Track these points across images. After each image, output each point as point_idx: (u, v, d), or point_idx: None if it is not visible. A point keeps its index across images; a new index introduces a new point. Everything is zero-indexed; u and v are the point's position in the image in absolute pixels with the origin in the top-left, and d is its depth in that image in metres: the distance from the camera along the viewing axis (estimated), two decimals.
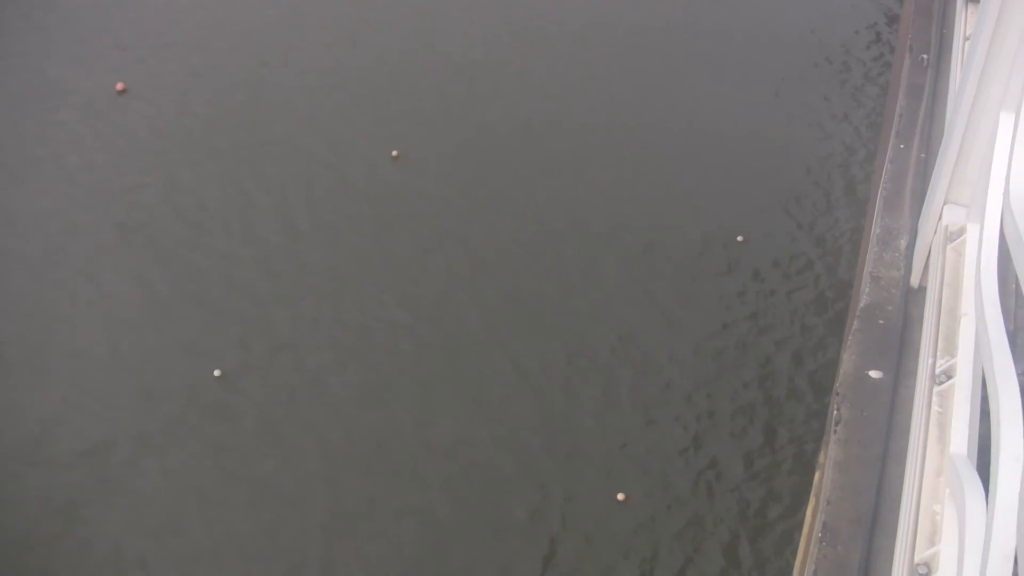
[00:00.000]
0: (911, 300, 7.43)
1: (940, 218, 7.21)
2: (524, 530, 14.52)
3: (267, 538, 14.44)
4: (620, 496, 14.60)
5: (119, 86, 21.62)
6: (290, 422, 15.75)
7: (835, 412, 6.82)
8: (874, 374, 6.85)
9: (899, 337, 7.14)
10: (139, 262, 17.99)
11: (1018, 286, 5.89)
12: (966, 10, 10.32)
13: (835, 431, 6.59)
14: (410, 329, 17.01)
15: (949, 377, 6.03)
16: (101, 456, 15.13)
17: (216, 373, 16.01)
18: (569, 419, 15.76)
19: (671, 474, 15.04)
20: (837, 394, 7.00)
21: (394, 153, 19.96)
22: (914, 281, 7.56)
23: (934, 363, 6.23)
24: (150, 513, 14.61)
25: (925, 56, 10.08)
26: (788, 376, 16.09)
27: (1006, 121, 5.85)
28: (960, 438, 5.60)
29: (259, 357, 16.61)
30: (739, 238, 18.17)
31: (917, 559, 5.28)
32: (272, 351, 16.69)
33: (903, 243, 7.83)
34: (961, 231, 7.00)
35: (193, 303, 17.35)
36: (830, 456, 6.51)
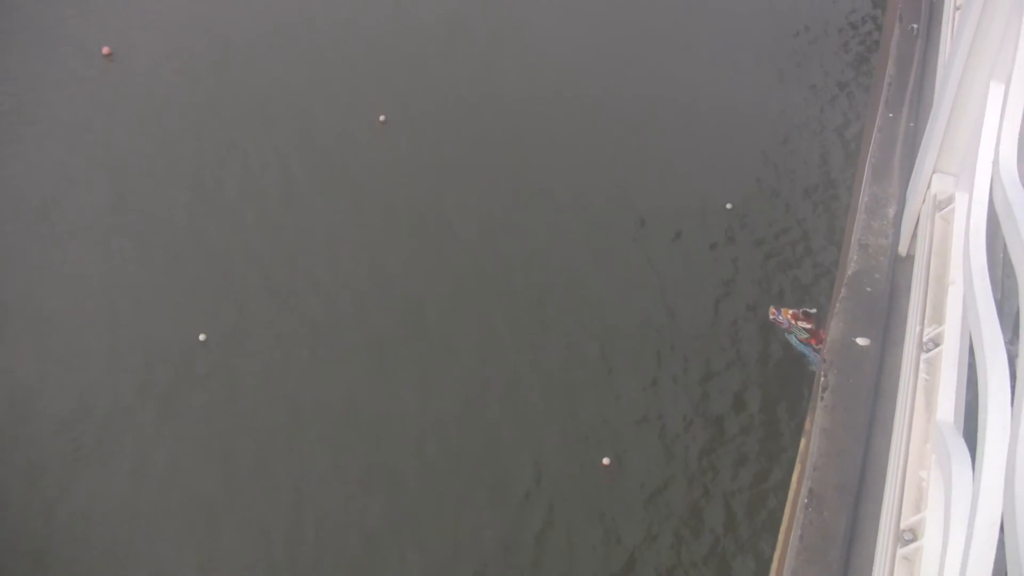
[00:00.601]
0: (899, 268, 7.45)
1: (929, 187, 7.22)
2: (511, 492, 14.59)
3: (265, 498, 14.54)
4: (605, 461, 14.67)
5: (105, 50, 21.48)
6: (283, 382, 15.80)
7: (822, 378, 6.84)
8: (861, 341, 6.88)
9: (886, 305, 7.17)
10: (127, 224, 17.96)
11: (1006, 255, 5.91)
12: None
13: (822, 397, 6.61)
14: (404, 288, 17.04)
15: (936, 345, 6.05)
16: (89, 420, 15.15)
17: (201, 337, 16.03)
18: (561, 383, 15.81)
19: (659, 438, 15.11)
20: (824, 360, 7.03)
21: (381, 118, 19.91)
22: (902, 249, 7.57)
23: (921, 331, 6.25)
24: (144, 475, 14.65)
25: (915, 25, 10.07)
26: (780, 341, 16.15)
27: (996, 91, 5.85)
28: (947, 405, 5.63)
29: (235, 318, 16.62)
30: (728, 206, 18.18)
31: (903, 525, 5.32)
32: (266, 310, 16.71)
33: (891, 211, 7.84)
34: (949, 200, 7.02)
35: (174, 263, 17.34)
36: (816, 422, 6.54)
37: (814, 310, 16.14)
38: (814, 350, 15.96)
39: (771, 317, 16.22)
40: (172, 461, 14.74)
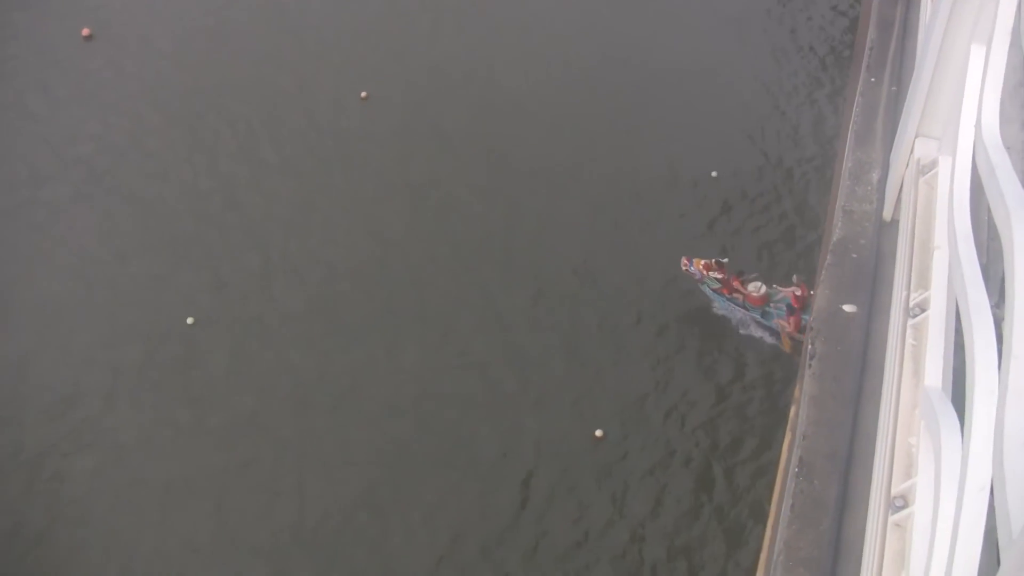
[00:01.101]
0: (884, 234, 7.42)
1: (912, 151, 7.17)
2: (498, 465, 14.61)
3: (267, 476, 14.55)
4: (598, 433, 14.69)
5: (85, 32, 21.34)
6: (262, 358, 15.78)
7: (809, 346, 6.82)
8: (848, 308, 6.85)
9: (872, 271, 7.14)
10: (108, 205, 17.88)
11: (990, 218, 5.88)
12: None
13: (810, 365, 6.59)
14: (381, 263, 17.01)
15: (923, 310, 6.02)
16: (83, 401, 15.11)
17: (189, 321, 15.98)
18: (541, 354, 15.81)
19: (654, 409, 15.13)
20: (811, 328, 7.00)
21: (363, 95, 19.81)
22: (886, 214, 7.54)
23: (908, 296, 6.22)
24: (129, 455, 14.64)
25: None
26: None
27: (977, 53, 5.81)
28: (935, 371, 5.60)
29: (229, 296, 16.58)
30: (713, 174, 18.16)
31: (894, 492, 5.31)
32: (243, 289, 16.67)
33: (875, 176, 7.80)
34: (933, 164, 6.97)
35: (163, 244, 17.27)
36: (805, 391, 6.52)
37: (725, 259, 16.27)
38: (727, 299, 16.11)
39: (683, 267, 16.32)
40: (170, 442, 14.75)
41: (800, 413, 6.48)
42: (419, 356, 15.78)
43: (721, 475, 14.47)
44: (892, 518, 5.21)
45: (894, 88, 8.64)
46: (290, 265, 16.95)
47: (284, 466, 14.56)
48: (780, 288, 16.14)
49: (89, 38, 21.22)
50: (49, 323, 16.07)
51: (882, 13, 9.82)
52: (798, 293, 15.69)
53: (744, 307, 16.21)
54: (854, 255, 7.18)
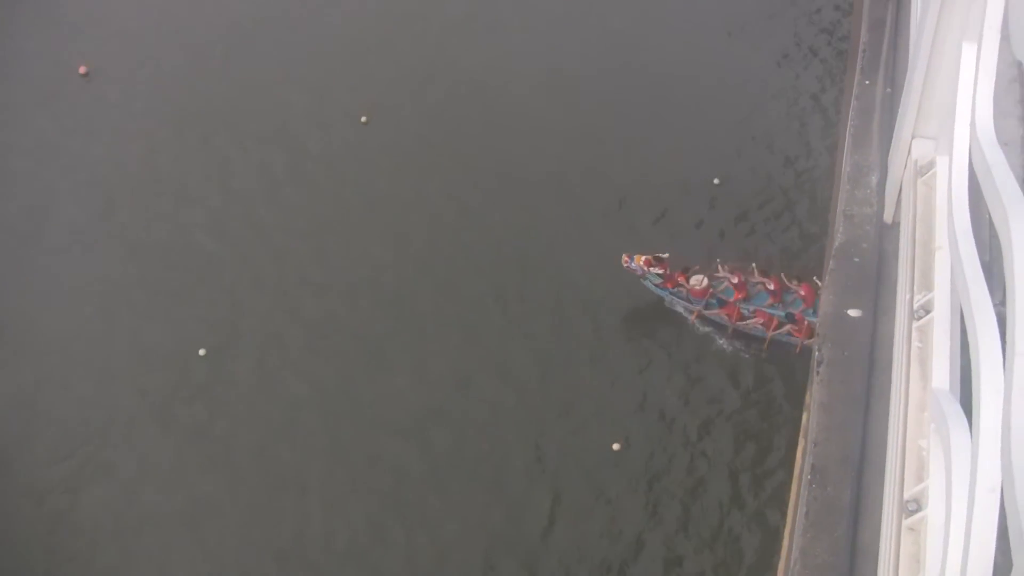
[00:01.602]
0: (885, 236, 7.40)
1: (909, 152, 7.16)
2: (524, 478, 14.64)
3: (272, 499, 14.60)
4: (615, 446, 14.72)
5: (82, 69, 21.42)
6: (283, 376, 15.83)
7: (816, 353, 6.80)
8: (853, 312, 6.83)
9: (875, 274, 7.13)
10: (123, 230, 17.97)
11: (991, 216, 5.86)
12: None
13: (818, 372, 6.57)
14: (398, 277, 17.09)
15: (927, 312, 6.00)
16: (90, 437, 15.15)
17: (201, 352, 16.04)
18: (561, 364, 15.85)
19: (665, 419, 15.13)
20: (817, 334, 6.99)
21: (363, 119, 19.90)
22: (887, 217, 7.53)
23: (911, 298, 6.21)
24: (153, 483, 14.72)
25: None
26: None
27: (968, 51, 5.80)
28: (941, 372, 5.59)
29: (248, 315, 16.66)
30: (715, 180, 18.22)
31: (906, 496, 5.29)
32: (261, 307, 16.74)
33: (874, 179, 7.79)
34: (931, 164, 6.96)
35: (180, 266, 17.38)
36: (814, 397, 6.50)
37: (666, 255, 16.52)
38: (671, 293, 16.31)
39: (624, 264, 16.50)
40: (193, 465, 14.83)
41: (811, 419, 6.47)
42: (441, 368, 15.88)
43: (746, 484, 14.47)
44: (906, 522, 5.19)
45: (888, 89, 8.63)
46: (308, 281, 17.06)
47: (312, 483, 14.63)
48: (724, 275, 16.45)
49: (86, 76, 21.31)
50: (68, 352, 16.17)
51: (873, 14, 9.81)
52: (735, 281, 15.99)
53: (688, 300, 16.55)
54: (856, 259, 7.17)
